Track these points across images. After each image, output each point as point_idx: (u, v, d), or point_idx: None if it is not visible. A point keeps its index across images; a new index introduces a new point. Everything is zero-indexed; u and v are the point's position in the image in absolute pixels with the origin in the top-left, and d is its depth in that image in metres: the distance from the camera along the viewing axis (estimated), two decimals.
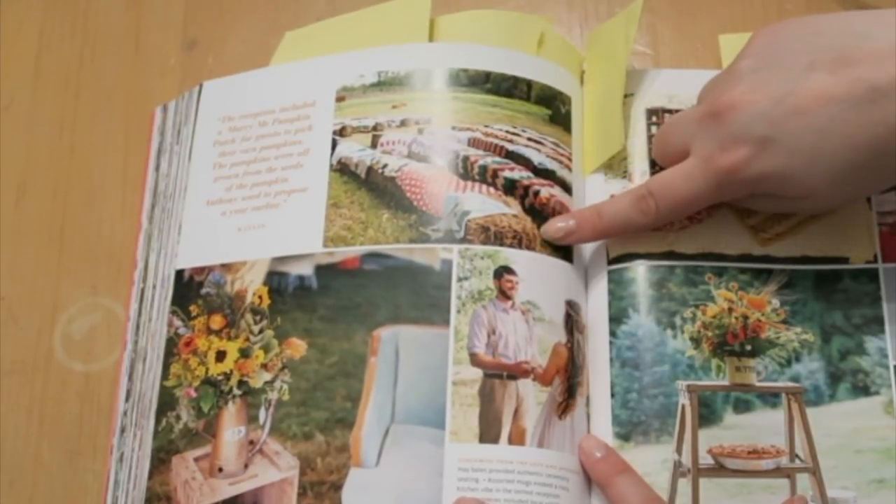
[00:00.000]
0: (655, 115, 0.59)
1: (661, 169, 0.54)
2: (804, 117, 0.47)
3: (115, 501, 0.59)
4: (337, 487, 0.52)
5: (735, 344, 0.54)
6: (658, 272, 0.55)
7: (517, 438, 0.52)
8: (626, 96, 0.59)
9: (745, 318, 0.54)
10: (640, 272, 0.55)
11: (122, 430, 0.60)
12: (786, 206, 0.52)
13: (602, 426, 0.54)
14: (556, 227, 0.55)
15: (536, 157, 0.58)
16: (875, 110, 0.45)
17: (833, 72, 0.46)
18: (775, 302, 0.54)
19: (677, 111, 0.59)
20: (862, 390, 0.52)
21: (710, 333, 0.54)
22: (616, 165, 0.59)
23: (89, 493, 0.61)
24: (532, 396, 0.52)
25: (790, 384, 0.53)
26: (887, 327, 0.53)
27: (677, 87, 0.60)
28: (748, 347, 0.54)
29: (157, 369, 0.59)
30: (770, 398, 0.53)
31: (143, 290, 0.63)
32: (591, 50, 0.63)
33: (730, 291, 0.54)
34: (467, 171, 0.57)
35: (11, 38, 0.72)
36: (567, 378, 0.54)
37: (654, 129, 0.59)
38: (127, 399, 0.61)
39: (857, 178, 0.48)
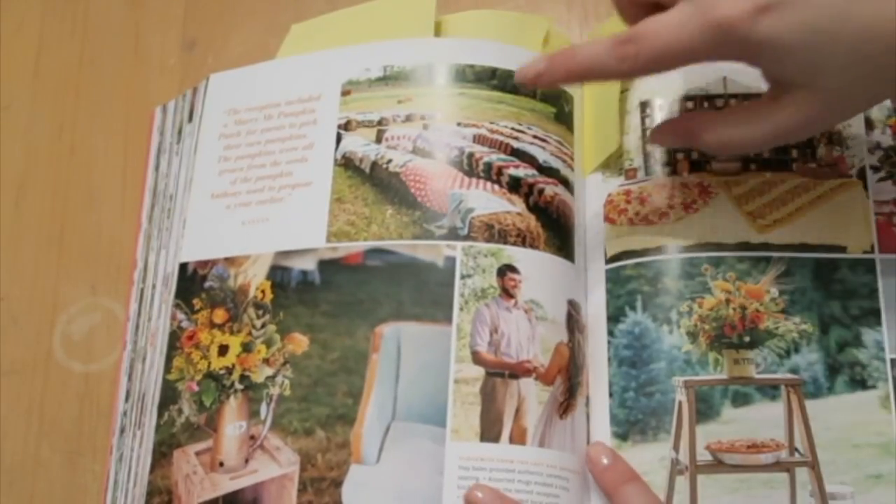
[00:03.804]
0: (648, 107, 0.59)
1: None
2: None
3: (114, 501, 0.59)
4: (337, 484, 0.52)
5: (733, 336, 0.54)
6: (654, 267, 0.55)
7: (518, 438, 0.52)
8: (622, 91, 0.60)
9: (744, 308, 0.54)
10: (636, 269, 0.56)
11: (122, 430, 0.60)
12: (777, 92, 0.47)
13: (601, 426, 0.54)
14: (528, 68, 0.50)
15: (541, 155, 0.58)
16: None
17: None
18: (774, 291, 0.54)
19: (672, 100, 0.59)
20: (859, 384, 0.52)
21: (707, 326, 0.54)
22: (613, 163, 0.59)
23: (89, 493, 0.61)
24: (533, 396, 0.53)
25: (789, 376, 0.53)
26: (884, 320, 0.53)
27: (672, 74, 0.60)
28: (747, 339, 0.54)
29: (160, 364, 0.59)
30: (769, 391, 0.53)
31: (142, 290, 0.63)
32: None
33: (727, 282, 0.54)
34: (472, 168, 0.57)
35: (11, 38, 0.72)
36: (568, 378, 0.54)
37: (647, 122, 0.59)
38: (127, 399, 0.61)
39: (859, 75, 0.44)
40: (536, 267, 0.55)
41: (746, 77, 0.58)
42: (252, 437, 0.55)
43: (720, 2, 0.44)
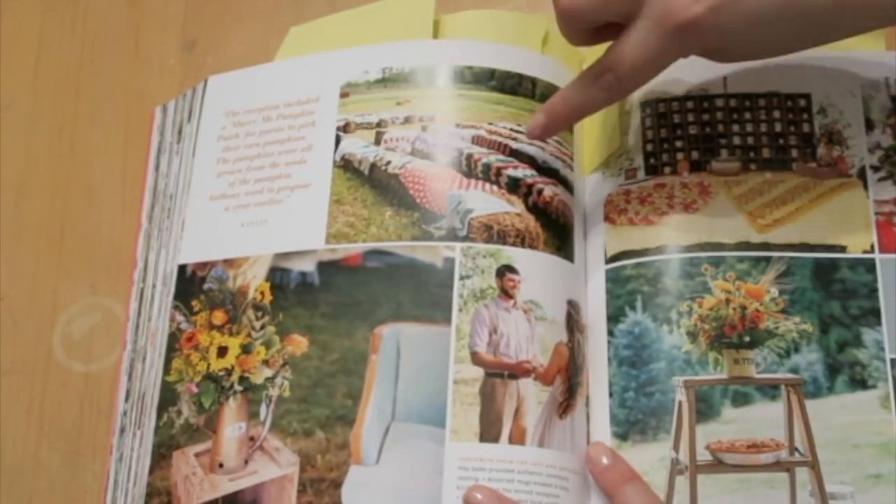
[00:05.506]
0: (650, 107, 0.59)
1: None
2: None
3: (114, 501, 0.59)
4: (337, 485, 0.52)
5: (733, 335, 0.54)
6: (654, 267, 0.55)
7: (517, 438, 0.52)
8: None
9: (744, 308, 0.54)
10: (636, 269, 0.56)
11: (122, 430, 0.60)
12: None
13: (601, 426, 0.54)
14: (533, 126, 0.55)
15: (540, 156, 0.58)
16: None
17: None
18: (774, 291, 0.54)
19: (672, 100, 0.59)
20: (859, 383, 0.52)
21: (707, 326, 0.54)
22: (613, 163, 0.59)
23: (89, 493, 0.61)
24: (533, 396, 0.53)
25: (789, 375, 0.53)
26: (884, 320, 0.53)
27: (672, 75, 0.60)
28: (746, 339, 0.54)
29: (159, 365, 0.59)
30: (769, 390, 0.53)
31: (142, 290, 0.63)
32: (591, 49, 0.63)
33: (727, 282, 0.54)
34: (471, 169, 0.57)
35: (11, 38, 0.72)
36: (568, 378, 0.54)
37: (648, 121, 0.59)
38: (127, 399, 0.61)
39: (794, 47, 0.51)
40: (535, 267, 0.55)
41: (746, 80, 0.58)
42: (251, 439, 0.55)
43: (673, 10, 0.48)
